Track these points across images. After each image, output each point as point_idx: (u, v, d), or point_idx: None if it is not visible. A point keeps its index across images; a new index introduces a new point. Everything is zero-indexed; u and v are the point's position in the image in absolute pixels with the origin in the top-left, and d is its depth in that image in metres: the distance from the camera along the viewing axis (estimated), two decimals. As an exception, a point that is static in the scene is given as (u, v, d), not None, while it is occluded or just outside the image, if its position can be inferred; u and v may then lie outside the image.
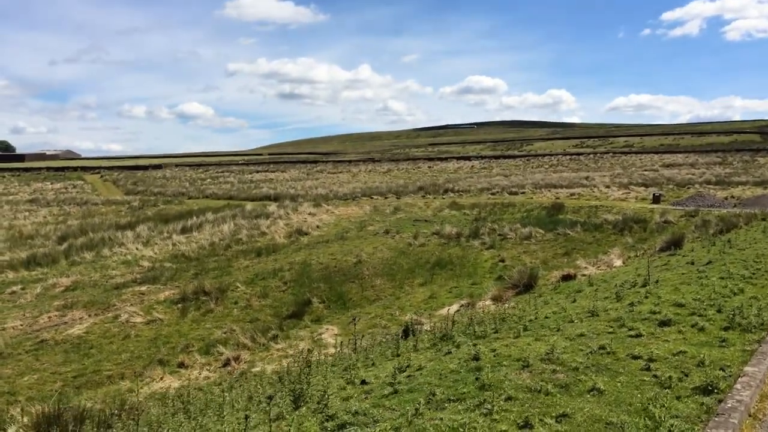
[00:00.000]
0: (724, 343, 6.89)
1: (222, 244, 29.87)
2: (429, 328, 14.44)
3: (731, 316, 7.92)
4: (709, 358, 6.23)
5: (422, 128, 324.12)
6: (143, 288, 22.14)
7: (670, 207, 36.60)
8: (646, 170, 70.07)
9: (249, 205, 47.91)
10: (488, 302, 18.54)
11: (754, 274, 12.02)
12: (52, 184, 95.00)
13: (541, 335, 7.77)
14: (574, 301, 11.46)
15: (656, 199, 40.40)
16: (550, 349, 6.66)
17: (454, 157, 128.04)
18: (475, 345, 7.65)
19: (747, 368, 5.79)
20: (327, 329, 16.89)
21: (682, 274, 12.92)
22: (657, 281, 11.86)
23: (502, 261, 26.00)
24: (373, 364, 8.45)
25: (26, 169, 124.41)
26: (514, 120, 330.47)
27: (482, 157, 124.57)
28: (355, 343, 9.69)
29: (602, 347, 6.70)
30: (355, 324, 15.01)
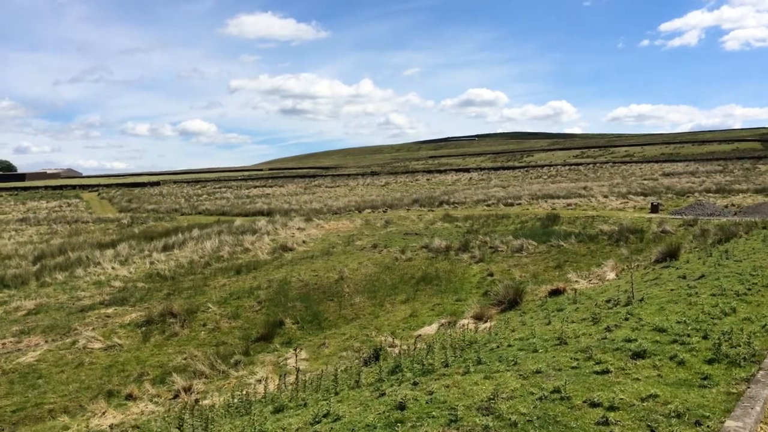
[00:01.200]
0: (705, 382, 5.71)
1: (201, 262, 28.73)
2: (398, 354, 13.29)
3: (718, 344, 6.74)
4: (685, 404, 5.05)
5: (423, 141, 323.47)
6: (110, 310, 20.99)
7: (669, 216, 35.45)
8: (645, 179, 68.89)
9: (238, 221, 46.82)
10: (469, 321, 17.33)
11: (749, 289, 10.85)
12: (47, 202, 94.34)
13: (493, 371, 6.60)
14: (549, 323, 10.28)
15: (654, 209, 39.27)
16: (493, 393, 5.50)
17: (453, 170, 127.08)
18: (415, 384, 6.50)
19: (728, 423, 4.60)
20: (294, 353, 15.68)
21: (671, 290, 11.74)
22: (642, 299, 10.68)
23: (491, 275, 24.79)
24: (305, 405, 7.28)
25: (25, 188, 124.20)
26: (515, 131, 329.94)
27: (481, 169, 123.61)
28: (297, 378, 8.53)
29: (557, 390, 5.53)
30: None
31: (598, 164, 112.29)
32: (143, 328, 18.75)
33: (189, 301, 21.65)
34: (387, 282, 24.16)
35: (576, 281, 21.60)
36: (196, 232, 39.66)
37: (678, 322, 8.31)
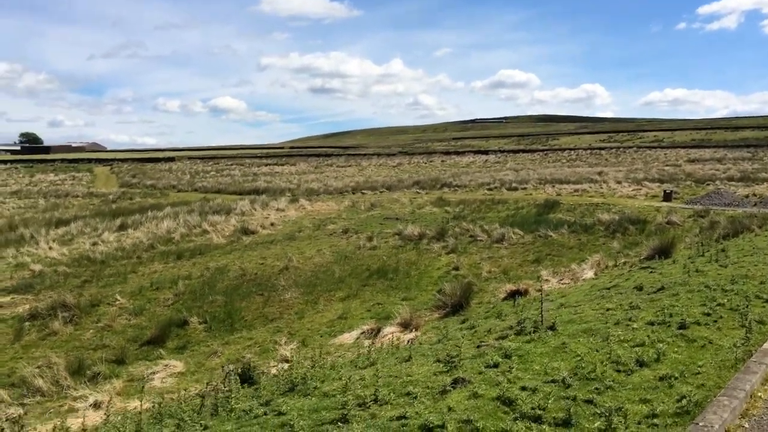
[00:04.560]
0: None
1: (146, 244, 26.09)
2: (275, 373, 10.38)
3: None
4: None
5: (451, 122, 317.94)
6: (7, 299, 18.45)
7: (681, 206, 31.77)
8: (668, 165, 64.51)
9: (219, 199, 44.32)
10: (394, 329, 14.30)
11: (707, 315, 7.64)
12: (55, 175, 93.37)
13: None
14: (409, 358, 7.22)
15: (667, 197, 35.49)
16: None
17: (472, 151, 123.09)
18: None
19: None
20: (167, 366, 12.85)
21: (606, 310, 8.57)
22: (552, 326, 7.55)
23: (457, 269, 21.63)
24: None
25: (44, 161, 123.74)
26: (545, 114, 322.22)
27: (501, 152, 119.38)
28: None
29: None
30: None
31: (623, 149, 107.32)
32: (25, 324, 16.14)
33: (101, 291, 19.02)
34: (335, 274, 21.16)
35: (546, 280, 18.38)
36: (167, 210, 37.11)
37: (553, 382, 5.20)
